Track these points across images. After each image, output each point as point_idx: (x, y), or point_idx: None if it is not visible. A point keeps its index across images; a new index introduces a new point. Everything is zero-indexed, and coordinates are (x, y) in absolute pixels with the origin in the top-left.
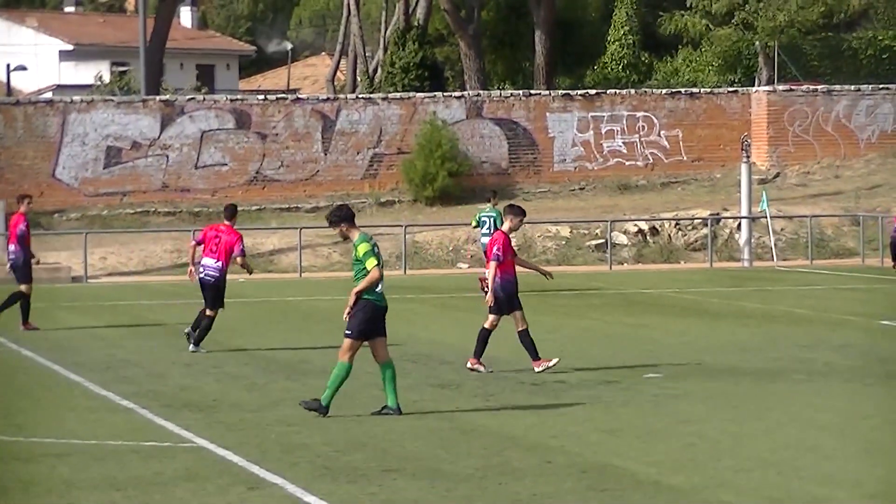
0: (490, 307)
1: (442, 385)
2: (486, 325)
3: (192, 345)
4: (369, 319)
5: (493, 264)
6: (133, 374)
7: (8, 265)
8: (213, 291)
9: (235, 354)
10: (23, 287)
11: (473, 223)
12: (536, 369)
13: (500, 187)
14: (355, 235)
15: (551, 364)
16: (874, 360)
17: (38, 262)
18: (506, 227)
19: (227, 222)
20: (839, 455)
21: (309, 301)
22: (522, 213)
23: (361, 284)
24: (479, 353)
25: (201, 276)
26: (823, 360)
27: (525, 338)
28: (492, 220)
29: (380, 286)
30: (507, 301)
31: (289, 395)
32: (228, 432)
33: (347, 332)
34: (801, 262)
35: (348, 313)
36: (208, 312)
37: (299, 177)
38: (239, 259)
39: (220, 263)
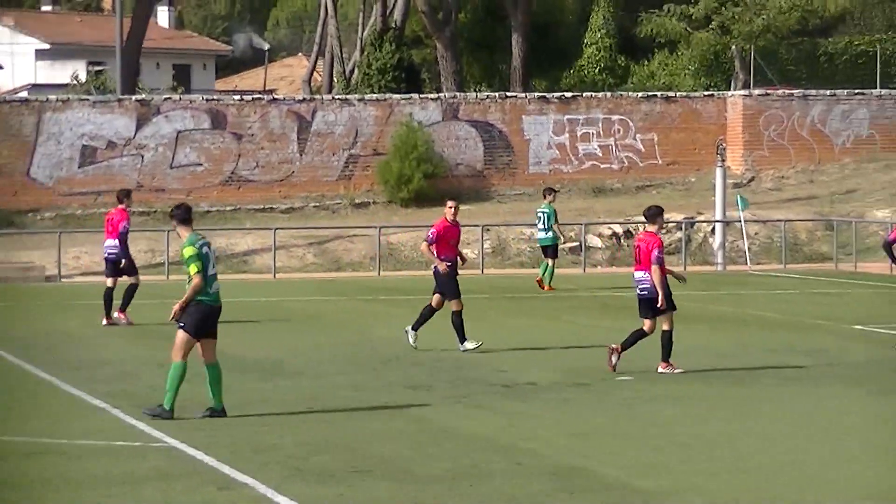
0: (657, 309)
1: (413, 386)
2: (665, 327)
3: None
4: (203, 319)
5: (655, 268)
6: (105, 374)
7: (108, 259)
8: None
9: None
10: (133, 279)
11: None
12: (660, 369)
13: (474, 189)
14: (185, 236)
15: (675, 370)
16: (845, 365)
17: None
18: (654, 228)
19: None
20: (809, 459)
21: (283, 302)
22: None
23: (186, 295)
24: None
25: None
26: (795, 364)
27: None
28: (545, 216)
29: (214, 286)
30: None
31: (260, 396)
32: (199, 432)
33: (181, 325)
34: (774, 266)
35: (173, 316)
36: None
37: (275, 178)
38: None
39: None
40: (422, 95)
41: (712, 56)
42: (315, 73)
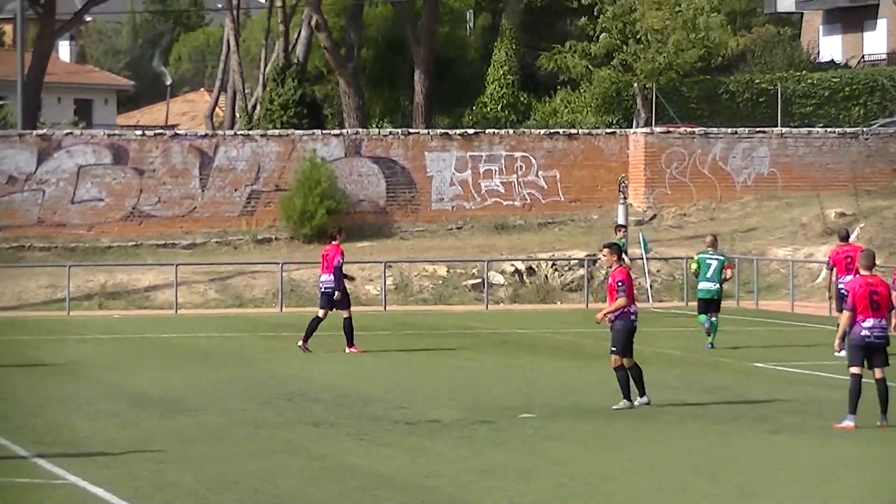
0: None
1: (316, 423)
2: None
3: None
4: None
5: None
6: (5, 410)
7: (324, 292)
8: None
9: (109, 391)
10: (346, 313)
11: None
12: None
13: (377, 225)
14: None
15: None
16: (746, 402)
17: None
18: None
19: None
20: (710, 497)
21: (184, 338)
22: None
23: None
24: None
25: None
26: (696, 401)
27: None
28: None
29: None
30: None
31: (162, 433)
32: (101, 469)
33: None
34: (676, 303)
35: None
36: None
37: (176, 213)
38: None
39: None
40: (324, 131)
41: (614, 93)
42: (217, 109)
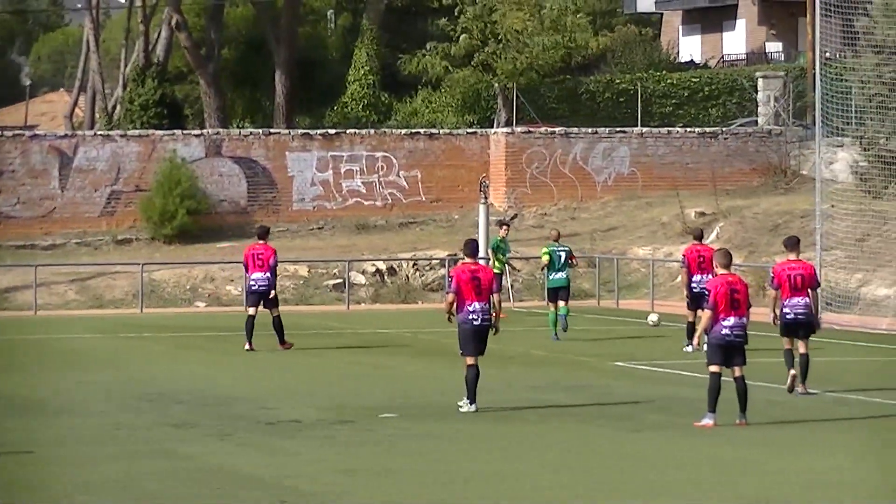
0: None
1: (177, 424)
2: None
3: None
4: None
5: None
6: None
7: (256, 291)
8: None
9: None
10: (275, 311)
11: None
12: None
13: (238, 226)
14: None
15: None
16: (607, 400)
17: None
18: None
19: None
20: (570, 494)
21: (44, 339)
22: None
23: None
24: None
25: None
26: (557, 401)
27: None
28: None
29: None
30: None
31: (24, 436)
32: None
33: None
34: (537, 303)
35: None
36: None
37: (36, 214)
38: None
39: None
40: (185, 131)
41: (474, 94)
42: (77, 109)
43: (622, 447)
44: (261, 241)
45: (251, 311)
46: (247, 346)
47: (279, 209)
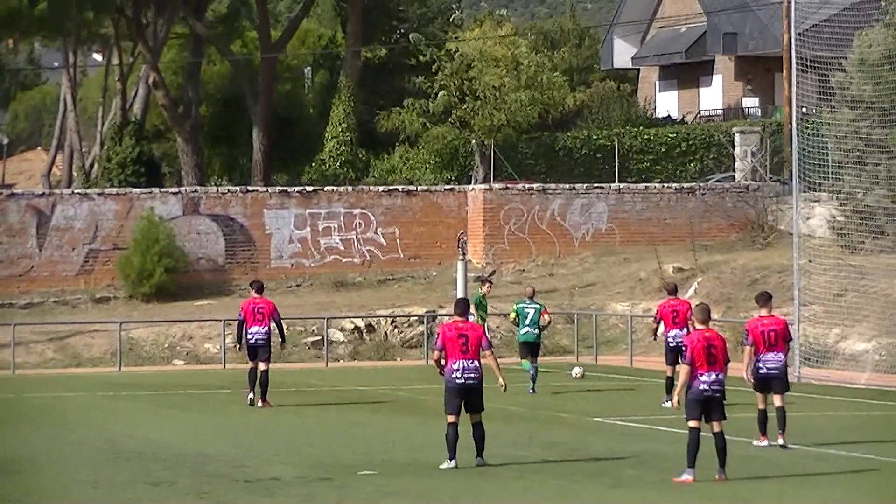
0: None
1: (155, 483)
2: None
3: None
4: None
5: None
6: None
7: (255, 344)
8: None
9: None
10: (264, 365)
11: None
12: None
13: (216, 283)
14: None
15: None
16: (585, 456)
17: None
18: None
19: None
20: None
21: (22, 398)
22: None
23: None
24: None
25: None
26: (535, 457)
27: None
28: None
29: None
30: None
31: None
32: None
33: None
34: (515, 359)
35: None
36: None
37: (13, 272)
38: None
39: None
40: (162, 189)
41: (452, 150)
42: (54, 167)
43: (599, 503)
44: (259, 295)
45: (251, 364)
46: (250, 399)
47: (257, 266)
